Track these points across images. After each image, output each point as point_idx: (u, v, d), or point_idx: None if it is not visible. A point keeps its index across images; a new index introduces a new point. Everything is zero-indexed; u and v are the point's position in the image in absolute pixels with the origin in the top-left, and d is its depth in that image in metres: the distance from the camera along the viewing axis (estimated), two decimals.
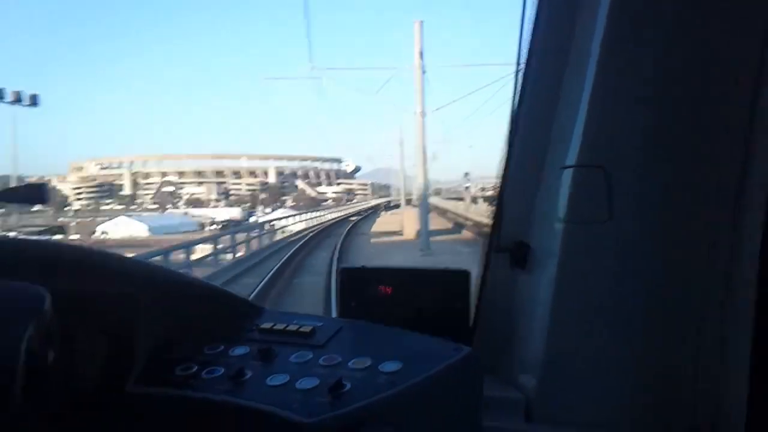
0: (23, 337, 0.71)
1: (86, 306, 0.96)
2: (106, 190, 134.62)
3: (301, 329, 1.02)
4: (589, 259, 1.10)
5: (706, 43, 1.02)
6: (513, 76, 1.18)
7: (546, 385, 1.13)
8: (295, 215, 42.86)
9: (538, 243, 1.19)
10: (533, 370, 1.16)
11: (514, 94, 1.18)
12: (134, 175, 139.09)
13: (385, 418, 0.84)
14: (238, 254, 20.20)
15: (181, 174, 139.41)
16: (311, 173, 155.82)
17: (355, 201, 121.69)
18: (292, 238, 27.63)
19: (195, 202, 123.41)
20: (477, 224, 32.45)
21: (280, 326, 1.04)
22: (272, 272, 14.88)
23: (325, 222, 42.52)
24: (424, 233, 19.73)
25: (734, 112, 1.03)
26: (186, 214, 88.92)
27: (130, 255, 1.26)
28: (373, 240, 28.33)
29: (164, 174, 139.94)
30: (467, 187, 46.83)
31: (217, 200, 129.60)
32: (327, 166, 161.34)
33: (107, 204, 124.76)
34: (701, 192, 1.06)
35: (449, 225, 35.71)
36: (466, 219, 37.40)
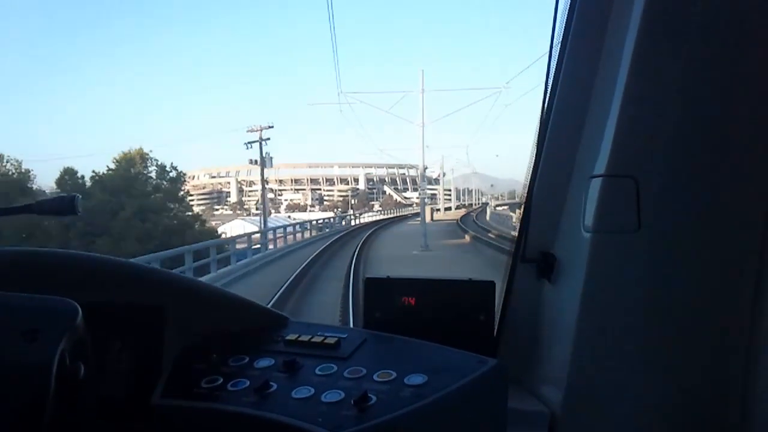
0: (56, 350, 0.73)
1: (114, 318, 1.00)
2: (215, 197, 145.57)
3: (326, 341, 1.05)
4: (616, 270, 1.08)
5: (739, 52, 1.02)
6: (543, 84, 1.18)
7: (571, 400, 1.13)
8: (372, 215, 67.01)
9: (564, 253, 1.18)
10: (558, 384, 1.16)
11: (544, 102, 1.18)
12: (239, 183, 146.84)
13: (410, 431, 0.86)
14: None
15: (280, 182, 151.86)
16: (398, 179, 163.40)
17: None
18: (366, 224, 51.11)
19: (294, 207, 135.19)
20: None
21: (305, 338, 1.07)
22: (349, 230, 39.11)
23: (391, 217, 66.65)
24: (423, 218, 43.97)
25: (766, 122, 1.02)
26: (289, 217, 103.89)
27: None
28: (408, 222, 53.59)
29: (266, 182, 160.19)
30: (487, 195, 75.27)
31: (312, 206, 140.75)
32: (413, 172, 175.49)
33: (216, 210, 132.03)
34: (731, 202, 1.05)
35: (457, 217, 61.86)
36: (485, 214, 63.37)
